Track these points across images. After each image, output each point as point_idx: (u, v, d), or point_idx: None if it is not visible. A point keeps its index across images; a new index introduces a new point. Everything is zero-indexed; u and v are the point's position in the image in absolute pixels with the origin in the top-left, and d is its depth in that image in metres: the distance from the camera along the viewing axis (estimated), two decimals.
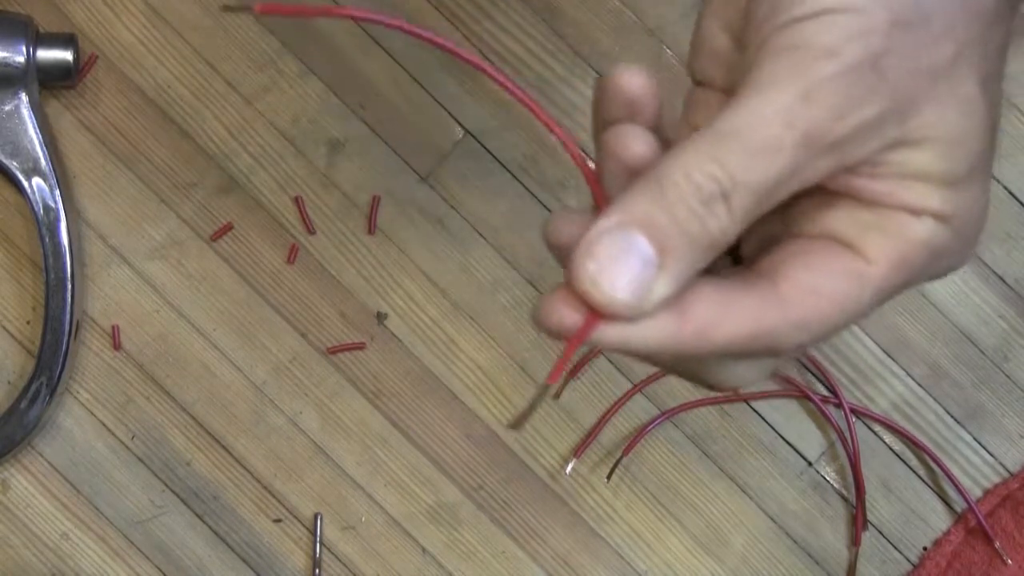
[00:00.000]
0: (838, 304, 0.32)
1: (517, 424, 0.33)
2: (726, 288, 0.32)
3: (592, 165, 0.35)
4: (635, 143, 0.34)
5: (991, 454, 0.67)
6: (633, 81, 0.34)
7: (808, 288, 0.32)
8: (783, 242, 0.34)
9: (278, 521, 0.65)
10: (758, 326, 0.32)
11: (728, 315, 0.32)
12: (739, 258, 0.37)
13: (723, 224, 0.31)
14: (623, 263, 0.31)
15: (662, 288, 0.31)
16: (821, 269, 0.32)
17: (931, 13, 0.31)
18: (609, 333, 0.31)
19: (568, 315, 0.31)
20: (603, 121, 0.35)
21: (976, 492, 0.67)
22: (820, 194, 0.33)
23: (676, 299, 0.31)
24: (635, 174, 0.33)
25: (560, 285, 0.32)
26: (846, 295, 0.32)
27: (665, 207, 0.31)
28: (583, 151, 0.67)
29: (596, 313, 0.31)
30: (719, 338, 0.32)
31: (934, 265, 0.33)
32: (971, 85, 0.31)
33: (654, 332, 0.32)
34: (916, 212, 0.32)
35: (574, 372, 0.66)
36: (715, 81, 0.36)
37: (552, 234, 0.34)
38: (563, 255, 0.33)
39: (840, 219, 0.32)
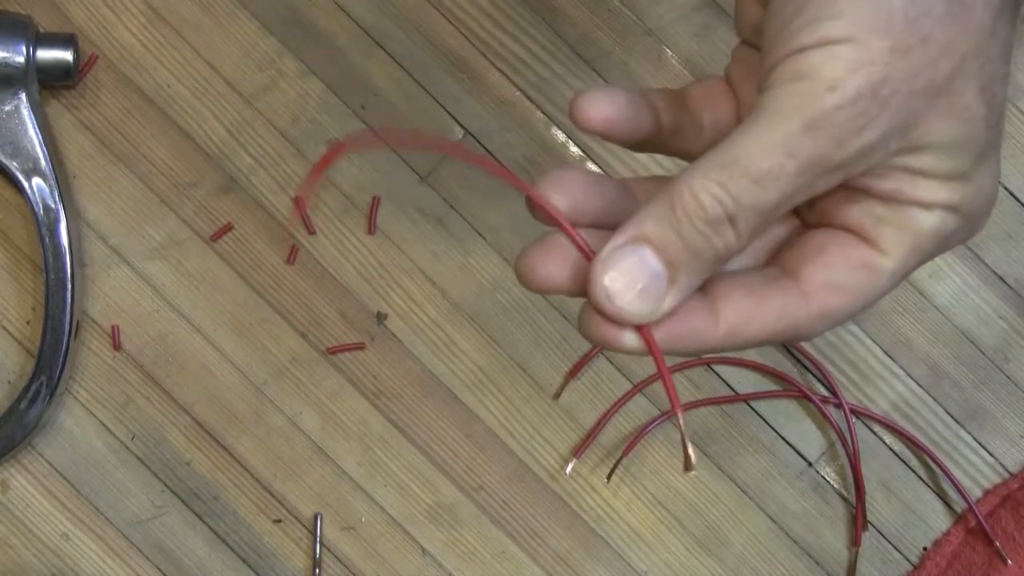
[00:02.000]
0: (857, 296, 0.35)
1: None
2: (754, 289, 0.35)
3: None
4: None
5: (991, 454, 0.67)
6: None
7: (828, 284, 0.35)
8: (805, 235, 0.37)
9: (278, 521, 0.65)
10: (784, 322, 0.35)
11: (756, 315, 0.35)
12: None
13: (728, 242, 0.33)
14: (633, 277, 0.33)
15: (670, 300, 0.34)
16: (839, 266, 0.35)
17: (929, 35, 0.32)
18: (659, 341, 0.35)
19: (605, 327, 0.34)
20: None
21: (976, 492, 0.67)
22: (840, 188, 0.35)
23: (710, 303, 0.35)
24: None
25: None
26: (864, 287, 0.35)
27: (674, 226, 0.33)
28: (586, 150, 0.67)
29: (643, 326, 0.34)
30: (748, 336, 0.35)
31: (945, 246, 0.35)
32: (970, 95, 0.33)
33: (693, 337, 0.35)
34: (926, 205, 0.34)
35: (573, 372, 0.66)
36: (754, 42, 0.40)
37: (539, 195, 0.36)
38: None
39: (856, 212, 0.35)
